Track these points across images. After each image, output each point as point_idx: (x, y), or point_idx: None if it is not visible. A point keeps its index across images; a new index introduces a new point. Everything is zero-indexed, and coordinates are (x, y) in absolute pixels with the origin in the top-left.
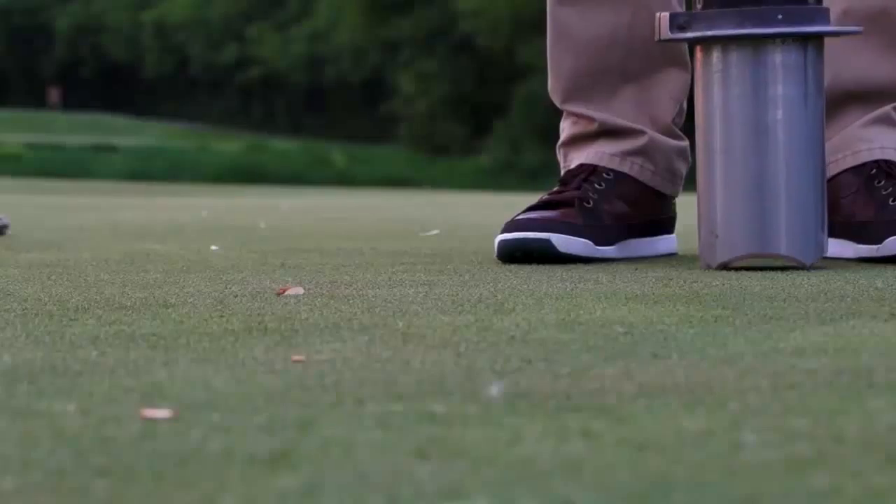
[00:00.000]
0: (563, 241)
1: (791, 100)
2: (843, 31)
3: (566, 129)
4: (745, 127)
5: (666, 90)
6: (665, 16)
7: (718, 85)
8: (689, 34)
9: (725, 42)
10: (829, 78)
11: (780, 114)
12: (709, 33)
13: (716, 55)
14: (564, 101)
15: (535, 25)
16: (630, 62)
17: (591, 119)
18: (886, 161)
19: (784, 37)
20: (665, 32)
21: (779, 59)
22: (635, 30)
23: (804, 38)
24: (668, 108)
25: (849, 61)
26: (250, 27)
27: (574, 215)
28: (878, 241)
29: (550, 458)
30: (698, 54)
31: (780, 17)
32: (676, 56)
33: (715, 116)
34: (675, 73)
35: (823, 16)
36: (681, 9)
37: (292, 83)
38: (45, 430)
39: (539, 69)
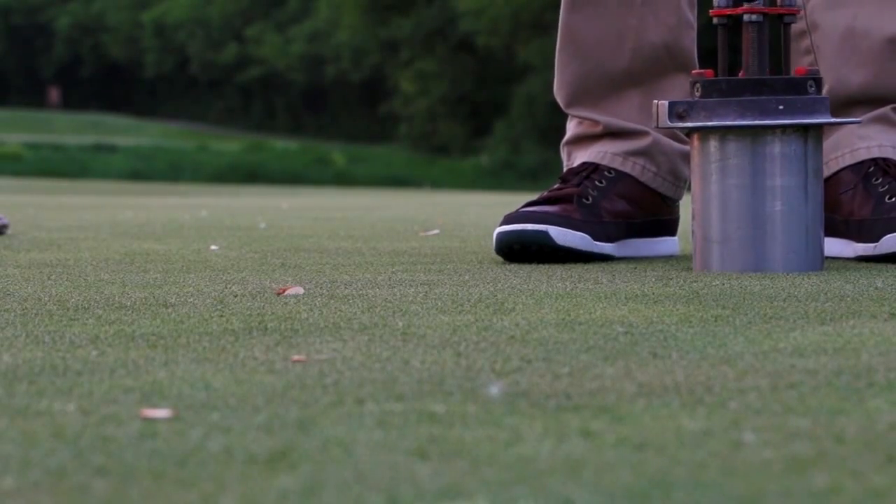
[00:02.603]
0: (560, 234)
1: (790, 190)
2: (844, 121)
3: (571, 128)
4: (744, 218)
5: (673, 95)
6: (664, 104)
7: (716, 174)
8: (689, 123)
9: (724, 132)
10: (833, 82)
11: (778, 205)
12: (709, 123)
13: (713, 144)
14: (569, 104)
15: (535, 25)
16: (636, 66)
17: (595, 122)
18: (884, 159)
19: (784, 128)
20: (664, 120)
21: (778, 150)
22: (642, 34)
23: (804, 129)
24: None
25: (854, 70)
26: (250, 27)
27: (573, 210)
28: (876, 238)
29: (550, 457)
30: (695, 142)
31: (780, 107)
32: (684, 61)
33: (712, 206)
34: (682, 78)
35: (824, 105)
36: (690, 13)
37: (292, 83)
38: (45, 430)
39: (539, 69)
